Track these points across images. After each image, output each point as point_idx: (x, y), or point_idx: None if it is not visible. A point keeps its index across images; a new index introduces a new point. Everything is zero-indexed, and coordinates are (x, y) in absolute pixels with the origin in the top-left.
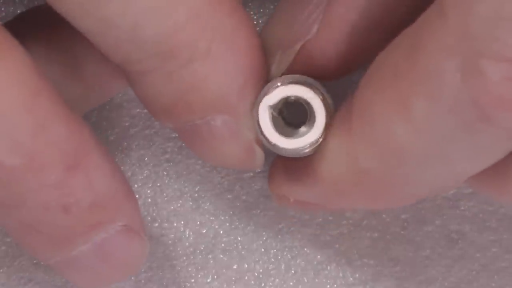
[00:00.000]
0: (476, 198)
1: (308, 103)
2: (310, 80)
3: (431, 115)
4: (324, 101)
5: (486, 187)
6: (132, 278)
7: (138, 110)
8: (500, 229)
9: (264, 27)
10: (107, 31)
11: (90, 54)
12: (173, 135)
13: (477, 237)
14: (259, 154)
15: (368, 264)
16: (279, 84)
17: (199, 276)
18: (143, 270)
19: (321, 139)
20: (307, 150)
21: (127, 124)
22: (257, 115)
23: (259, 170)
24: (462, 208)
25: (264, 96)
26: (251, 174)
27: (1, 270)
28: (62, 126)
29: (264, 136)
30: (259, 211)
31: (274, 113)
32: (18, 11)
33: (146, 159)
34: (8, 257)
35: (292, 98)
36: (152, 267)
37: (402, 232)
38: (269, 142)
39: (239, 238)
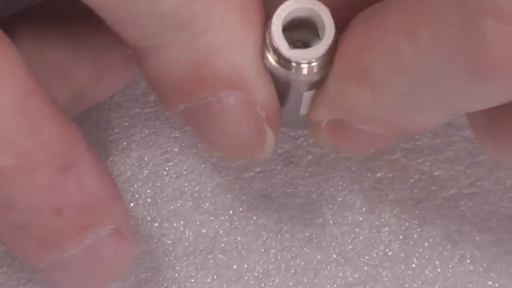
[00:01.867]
0: (476, 198)
1: (318, 14)
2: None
3: (431, 49)
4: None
5: (486, 138)
6: (132, 278)
7: (138, 110)
8: (500, 229)
9: None
10: (126, 6)
11: (84, 53)
12: (173, 135)
13: (477, 237)
14: (270, 137)
15: (368, 264)
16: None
17: (199, 276)
18: (143, 270)
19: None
20: (316, 65)
21: (127, 124)
22: (270, 27)
23: (259, 170)
24: (462, 208)
25: (277, 9)
26: (251, 174)
27: (1, 270)
28: (54, 127)
29: (277, 48)
30: (259, 211)
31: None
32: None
33: (146, 159)
34: (8, 257)
35: (302, 14)
36: (152, 267)
37: (402, 232)
38: (283, 56)
39: (239, 238)
